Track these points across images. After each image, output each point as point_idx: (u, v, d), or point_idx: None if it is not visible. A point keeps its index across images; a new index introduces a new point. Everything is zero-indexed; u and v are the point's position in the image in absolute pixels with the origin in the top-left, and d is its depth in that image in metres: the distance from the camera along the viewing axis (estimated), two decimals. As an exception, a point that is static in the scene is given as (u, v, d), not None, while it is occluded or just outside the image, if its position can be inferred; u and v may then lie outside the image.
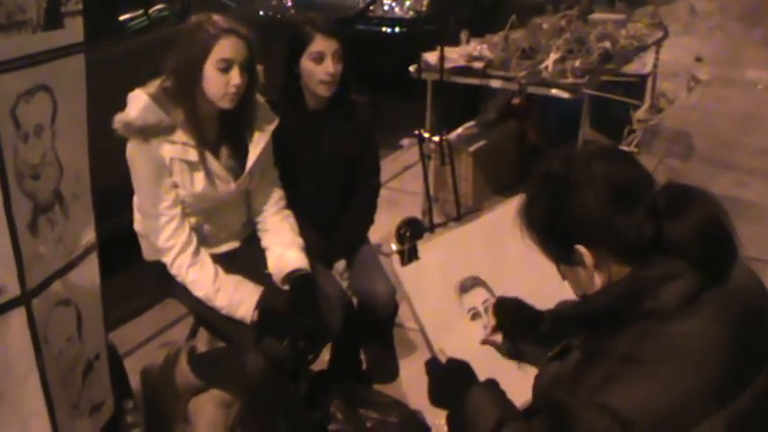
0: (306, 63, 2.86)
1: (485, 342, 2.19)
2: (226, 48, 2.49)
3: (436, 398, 1.93)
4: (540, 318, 2.09)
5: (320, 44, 2.84)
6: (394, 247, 3.81)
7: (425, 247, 2.22)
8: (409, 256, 2.18)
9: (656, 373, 1.45)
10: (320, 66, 2.84)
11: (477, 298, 2.23)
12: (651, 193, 1.58)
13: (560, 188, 1.60)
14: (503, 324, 2.16)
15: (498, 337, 2.17)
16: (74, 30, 1.94)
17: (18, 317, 1.85)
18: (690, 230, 1.51)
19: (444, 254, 2.25)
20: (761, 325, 1.57)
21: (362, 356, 3.27)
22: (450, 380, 1.90)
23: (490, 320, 2.19)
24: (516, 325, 2.14)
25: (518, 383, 1.90)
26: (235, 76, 2.51)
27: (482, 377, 1.88)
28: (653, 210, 1.55)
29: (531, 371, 1.69)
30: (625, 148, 3.79)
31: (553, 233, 1.64)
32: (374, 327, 3.10)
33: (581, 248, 1.58)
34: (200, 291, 2.61)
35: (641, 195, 1.57)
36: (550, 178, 1.64)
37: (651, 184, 1.60)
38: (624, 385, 1.46)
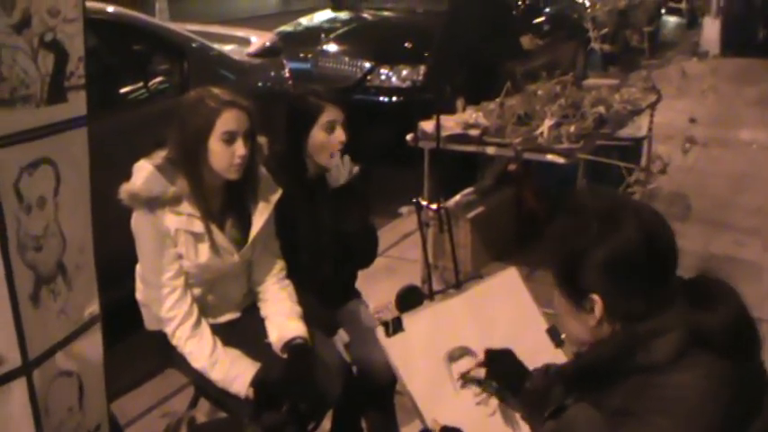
0: (318, 133, 2.89)
1: (467, 376, 2.19)
2: (229, 120, 2.53)
3: None
4: (527, 375, 2.09)
5: (331, 113, 2.89)
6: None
7: (410, 319, 2.26)
8: (394, 328, 2.21)
9: (651, 425, 1.45)
10: (332, 135, 2.88)
11: (466, 367, 2.23)
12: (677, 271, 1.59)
13: (604, 225, 1.59)
14: (491, 371, 2.16)
15: (481, 372, 2.17)
16: (77, 104, 1.98)
17: (19, 388, 1.86)
18: (719, 323, 1.53)
19: (430, 325, 2.28)
20: (752, 376, 1.58)
21: (363, 425, 3.24)
22: None
23: (477, 359, 2.19)
24: (504, 373, 2.13)
25: None
26: (239, 148, 2.54)
27: None
28: (677, 290, 1.57)
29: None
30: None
31: (576, 271, 1.61)
32: (374, 395, 3.08)
33: (596, 297, 1.58)
34: (197, 363, 2.61)
35: (671, 267, 1.59)
36: (597, 213, 1.62)
37: (677, 256, 1.62)
38: None
